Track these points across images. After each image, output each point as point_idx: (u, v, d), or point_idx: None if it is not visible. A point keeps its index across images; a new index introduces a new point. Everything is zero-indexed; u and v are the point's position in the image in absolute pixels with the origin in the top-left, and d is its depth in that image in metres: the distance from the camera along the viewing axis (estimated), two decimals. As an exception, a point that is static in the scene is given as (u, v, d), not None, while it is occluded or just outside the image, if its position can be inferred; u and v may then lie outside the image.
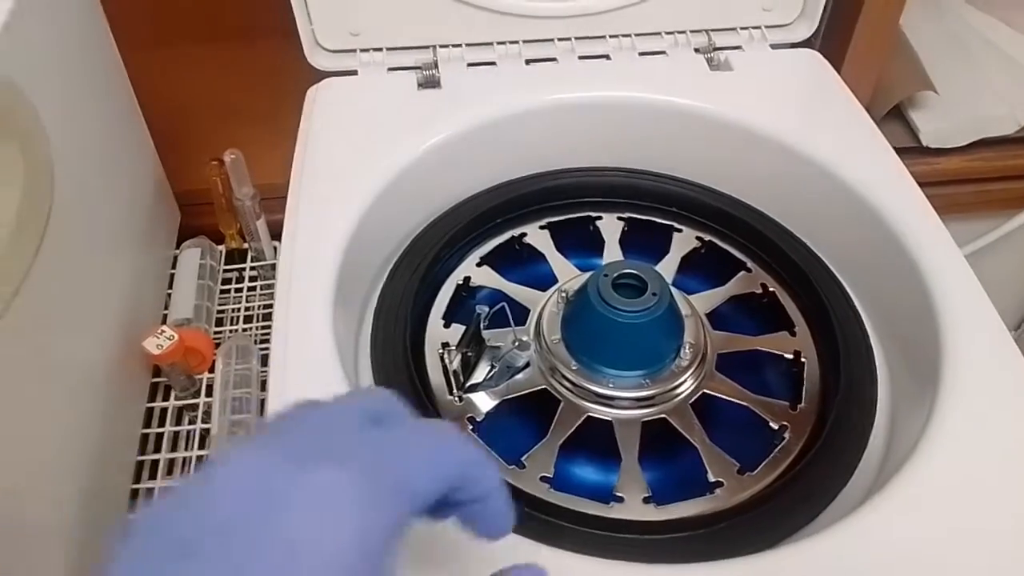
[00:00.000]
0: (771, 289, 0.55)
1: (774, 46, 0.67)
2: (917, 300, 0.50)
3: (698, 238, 0.59)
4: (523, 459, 0.46)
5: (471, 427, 0.48)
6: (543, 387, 0.49)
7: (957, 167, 0.81)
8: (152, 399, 0.65)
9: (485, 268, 0.57)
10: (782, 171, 0.59)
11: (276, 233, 0.68)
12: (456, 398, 0.49)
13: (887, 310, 0.54)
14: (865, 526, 0.39)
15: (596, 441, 0.48)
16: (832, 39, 0.73)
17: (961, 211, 0.85)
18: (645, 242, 0.59)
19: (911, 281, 0.51)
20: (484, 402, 0.49)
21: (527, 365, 0.50)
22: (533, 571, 0.28)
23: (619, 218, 0.60)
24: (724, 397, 0.49)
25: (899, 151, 0.59)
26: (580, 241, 0.59)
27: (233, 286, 0.74)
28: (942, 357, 0.46)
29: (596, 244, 0.59)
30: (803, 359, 0.51)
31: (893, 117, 0.80)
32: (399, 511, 0.23)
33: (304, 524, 0.21)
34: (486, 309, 0.50)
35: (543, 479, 0.45)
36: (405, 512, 0.23)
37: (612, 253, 0.58)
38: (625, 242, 0.59)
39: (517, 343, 0.49)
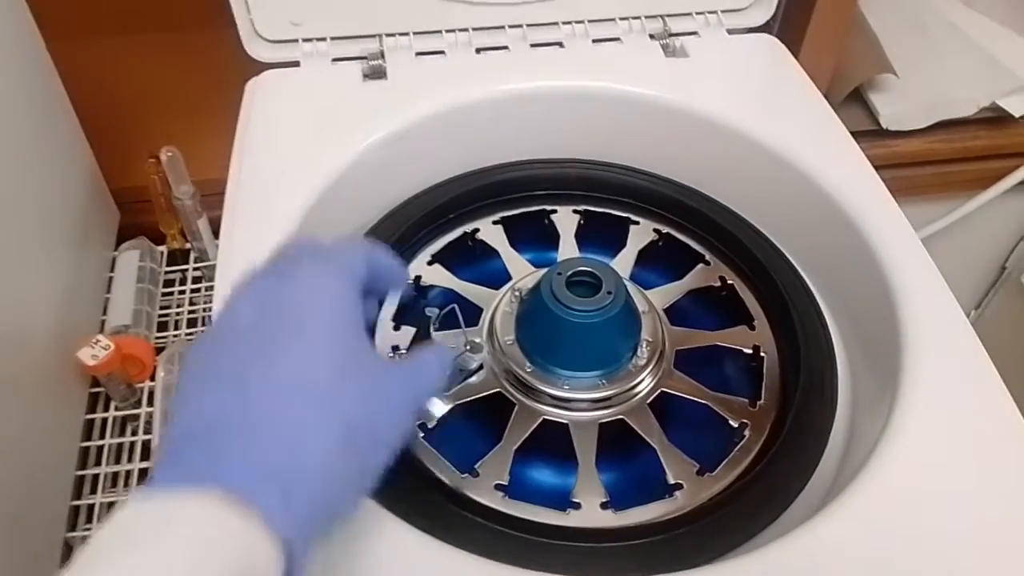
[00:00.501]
0: (730, 282, 0.54)
1: (731, 31, 0.66)
2: (876, 291, 0.49)
3: (655, 230, 0.57)
4: (476, 466, 0.44)
5: (422, 434, 0.46)
6: (497, 390, 0.48)
7: (916, 149, 0.80)
8: (92, 410, 0.62)
9: (436, 266, 0.55)
10: (739, 160, 0.57)
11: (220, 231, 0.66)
12: None
13: (847, 301, 0.53)
14: (828, 530, 0.38)
15: (552, 445, 0.46)
16: (790, 23, 0.72)
17: (920, 193, 0.85)
18: (601, 235, 0.58)
19: (870, 271, 0.50)
20: (436, 407, 0.47)
21: (480, 368, 0.48)
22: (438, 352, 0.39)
23: (575, 211, 0.58)
24: (683, 395, 0.48)
25: (858, 134, 0.58)
26: (534, 235, 0.58)
27: (176, 288, 0.71)
28: (902, 350, 0.45)
29: (551, 238, 0.57)
30: (763, 353, 0.50)
31: (852, 100, 0.79)
32: (353, 283, 0.35)
33: (308, 292, 0.33)
34: (436, 311, 0.48)
35: (498, 487, 0.44)
36: (356, 285, 0.36)
37: (568, 247, 0.57)
38: (581, 235, 0.57)
39: (469, 345, 0.47)
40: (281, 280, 0.34)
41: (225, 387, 0.31)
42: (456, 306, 0.48)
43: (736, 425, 0.47)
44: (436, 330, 0.48)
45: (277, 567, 0.28)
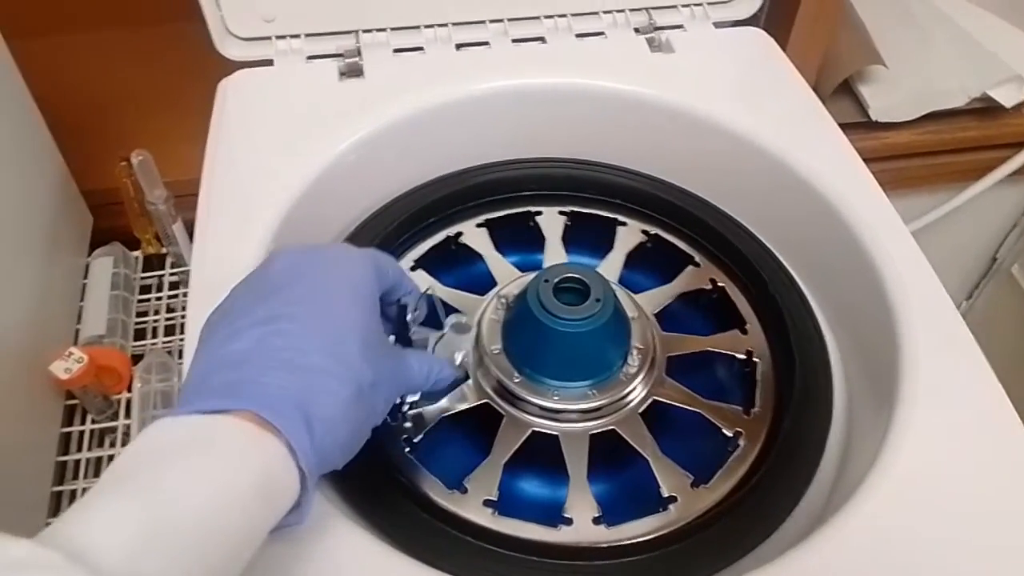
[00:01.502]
0: (720, 284, 0.53)
1: (717, 24, 0.64)
2: (869, 290, 0.48)
3: (644, 231, 0.56)
4: (465, 482, 0.43)
5: (407, 448, 0.44)
6: (484, 401, 0.46)
7: (907, 141, 0.79)
8: (68, 423, 0.60)
9: (419, 272, 0.53)
10: (727, 157, 0.56)
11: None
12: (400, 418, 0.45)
13: (839, 300, 0.52)
14: (829, 547, 0.37)
15: (542, 458, 0.45)
16: (776, 15, 0.70)
17: (911, 185, 0.84)
18: (588, 237, 0.56)
19: (862, 270, 0.49)
20: (431, 415, 0.45)
21: (466, 378, 0.46)
22: None
23: (560, 212, 0.57)
24: (675, 404, 0.47)
25: (848, 126, 0.57)
26: (520, 238, 0.56)
27: (153, 295, 0.69)
28: (898, 356, 0.44)
29: (537, 241, 0.55)
30: (756, 359, 0.49)
31: (842, 92, 0.78)
32: (376, 272, 0.39)
33: (338, 266, 0.37)
34: (414, 298, 0.44)
35: (487, 503, 0.42)
36: (378, 275, 0.39)
37: (554, 250, 0.55)
38: (567, 238, 0.55)
39: (454, 324, 0.44)
40: (316, 253, 0.38)
41: (254, 331, 0.33)
42: (432, 291, 0.45)
43: (730, 434, 0.46)
44: (415, 322, 0.44)
45: (295, 489, 0.31)
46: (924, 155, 0.81)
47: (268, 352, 0.33)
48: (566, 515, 0.42)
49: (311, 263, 0.37)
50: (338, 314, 0.35)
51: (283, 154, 0.52)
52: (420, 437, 0.45)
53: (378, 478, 0.41)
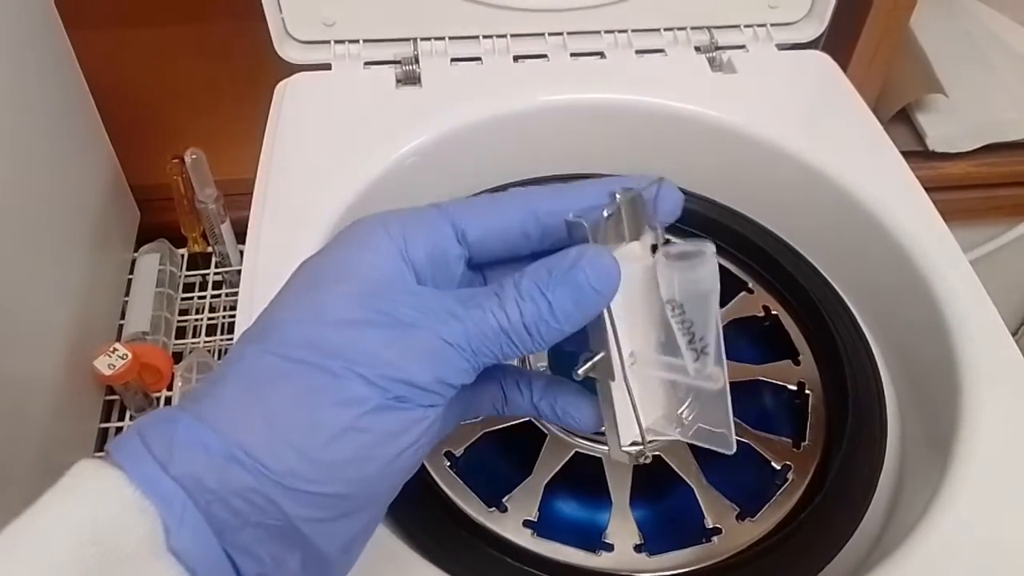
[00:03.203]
0: (774, 312, 0.52)
1: (779, 46, 0.63)
2: (928, 326, 0.47)
3: (696, 254, 0.55)
4: (505, 501, 0.42)
5: (448, 463, 0.43)
6: (527, 419, 0.45)
7: (963, 172, 0.78)
8: (107, 419, 0.60)
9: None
10: (786, 182, 0.55)
11: (244, 233, 0.64)
12: None
13: (895, 333, 0.51)
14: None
15: (584, 480, 0.44)
16: (837, 39, 0.69)
17: (965, 217, 0.82)
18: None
19: (922, 305, 0.48)
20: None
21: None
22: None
23: (613, 231, 0.56)
24: (723, 433, 0.46)
25: (903, 155, 0.56)
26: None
27: (196, 293, 0.69)
28: (958, 395, 0.43)
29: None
30: (807, 391, 0.48)
31: (898, 119, 0.76)
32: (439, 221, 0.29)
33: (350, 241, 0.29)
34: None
35: (526, 523, 0.41)
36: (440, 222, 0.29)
37: (603, 269, 0.54)
38: (618, 258, 0.55)
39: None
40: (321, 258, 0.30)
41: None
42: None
43: (779, 467, 0.45)
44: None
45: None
46: (980, 187, 0.79)
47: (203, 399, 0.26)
48: (607, 540, 0.41)
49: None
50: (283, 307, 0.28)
51: (338, 159, 0.52)
52: (461, 452, 0.44)
53: (417, 490, 0.40)
